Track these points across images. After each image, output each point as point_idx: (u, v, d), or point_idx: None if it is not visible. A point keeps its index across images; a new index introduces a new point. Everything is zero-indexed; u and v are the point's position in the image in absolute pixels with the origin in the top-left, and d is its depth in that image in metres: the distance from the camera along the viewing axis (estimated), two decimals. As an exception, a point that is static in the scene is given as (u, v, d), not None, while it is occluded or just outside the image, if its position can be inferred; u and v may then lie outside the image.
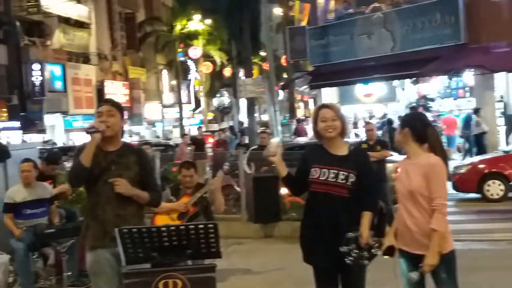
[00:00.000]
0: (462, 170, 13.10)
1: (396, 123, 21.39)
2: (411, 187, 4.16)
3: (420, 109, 20.96)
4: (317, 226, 4.40)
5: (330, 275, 4.43)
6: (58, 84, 34.32)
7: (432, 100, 21.77)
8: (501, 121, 18.56)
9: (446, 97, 21.79)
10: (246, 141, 20.91)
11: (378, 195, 4.63)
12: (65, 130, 36.73)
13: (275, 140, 4.70)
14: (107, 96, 39.42)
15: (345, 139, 4.61)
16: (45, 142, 26.46)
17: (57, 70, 34.25)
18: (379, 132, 16.61)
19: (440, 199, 4.10)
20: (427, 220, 4.10)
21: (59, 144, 30.34)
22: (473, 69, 17.17)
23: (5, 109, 29.13)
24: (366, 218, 4.32)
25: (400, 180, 4.30)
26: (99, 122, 4.39)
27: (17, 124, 30.63)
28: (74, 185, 4.77)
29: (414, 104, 21.57)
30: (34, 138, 29.13)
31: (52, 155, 9.70)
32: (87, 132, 4.38)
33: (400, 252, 4.28)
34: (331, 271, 4.41)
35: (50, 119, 33.96)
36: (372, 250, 4.30)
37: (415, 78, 19.79)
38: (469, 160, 15.18)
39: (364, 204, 4.37)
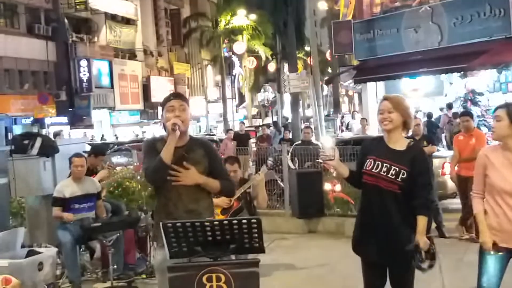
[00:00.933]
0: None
1: (435, 117, 21.09)
2: None
3: (469, 104, 20.62)
4: (368, 218, 4.37)
5: (378, 269, 4.38)
6: (105, 80, 34.93)
7: (480, 94, 21.30)
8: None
9: (496, 91, 21.32)
10: (290, 136, 20.86)
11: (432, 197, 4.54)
12: (111, 125, 37.32)
13: (327, 140, 4.46)
14: (153, 92, 39.93)
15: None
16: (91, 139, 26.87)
17: (104, 66, 34.84)
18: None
19: None
20: None
21: (108, 139, 30.77)
22: (523, 63, 16.76)
23: (53, 105, 29.75)
24: (422, 223, 4.25)
25: (503, 175, 4.10)
26: (175, 118, 4.28)
27: (65, 119, 31.25)
28: (153, 183, 4.62)
29: (462, 98, 21.18)
30: (88, 133, 29.70)
31: (98, 147, 9.85)
32: (175, 130, 4.24)
33: (494, 249, 4.17)
34: (380, 264, 4.36)
35: (97, 115, 34.55)
36: (431, 248, 4.28)
37: (463, 72, 19.41)
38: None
39: (419, 206, 4.26)
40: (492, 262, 4.14)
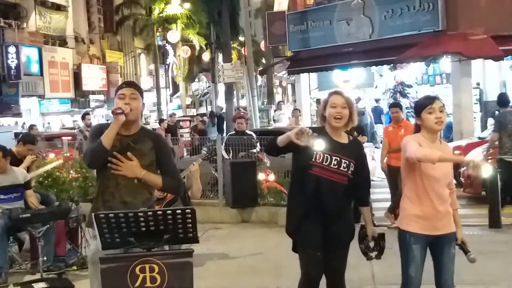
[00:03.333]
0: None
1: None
2: (445, 171, 4.24)
3: (398, 96, 21.15)
4: (313, 207, 4.39)
5: (319, 257, 4.45)
6: (34, 67, 33.94)
7: (409, 86, 21.88)
8: (476, 107, 18.73)
9: (424, 84, 21.93)
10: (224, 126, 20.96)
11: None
12: (41, 113, 36.36)
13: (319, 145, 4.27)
14: (84, 80, 39.13)
15: None
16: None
17: (33, 53, 33.85)
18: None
19: (452, 181, 4.33)
20: (449, 201, 4.28)
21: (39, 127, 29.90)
22: (450, 56, 17.28)
23: (-21, 92, 28.73)
24: (368, 213, 4.55)
25: (431, 165, 4.17)
26: (124, 104, 4.19)
27: (-8, 107, 30.21)
28: (90, 167, 4.51)
29: (392, 90, 21.71)
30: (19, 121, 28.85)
31: (28, 135, 9.64)
32: (114, 113, 4.16)
33: (414, 239, 4.25)
34: (321, 253, 4.44)
35: (26, 103, 33.58)
36: (381, 242, 4.49)
37: (392, 65, 19.86)
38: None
39: (364, 198, 4.52)
40: (418, 251, 4.25)
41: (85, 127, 13.99)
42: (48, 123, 33.89)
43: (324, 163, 4.36)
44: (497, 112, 11.50)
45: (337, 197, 4.37)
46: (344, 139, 4.49)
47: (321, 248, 4.41)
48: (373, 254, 4.50)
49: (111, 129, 4.16)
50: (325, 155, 4.36)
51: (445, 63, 18.98)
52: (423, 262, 4.30)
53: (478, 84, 19.37)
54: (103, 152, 4.16)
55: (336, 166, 4.36)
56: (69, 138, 14.38)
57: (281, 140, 4.29)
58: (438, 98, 4.39)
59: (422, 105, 4.29)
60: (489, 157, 10.06)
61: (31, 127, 18.58)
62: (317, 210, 4.38)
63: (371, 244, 4.50)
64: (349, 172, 4.38)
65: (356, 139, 4.71)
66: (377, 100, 22.66)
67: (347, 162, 4.37)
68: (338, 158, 4.36)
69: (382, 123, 20.32)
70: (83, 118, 15.82)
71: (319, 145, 4.22)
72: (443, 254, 4.20)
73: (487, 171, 4.20)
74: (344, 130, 4.53)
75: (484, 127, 17.85)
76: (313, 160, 4.36)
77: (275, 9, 25.55)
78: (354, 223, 4.57)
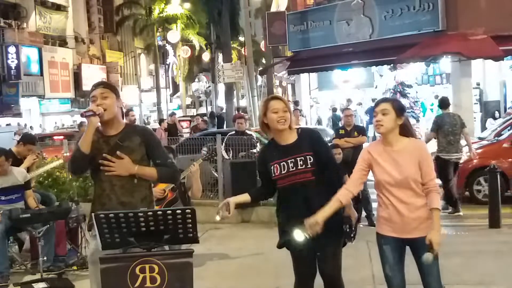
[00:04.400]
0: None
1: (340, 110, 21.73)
2: (404, 174, 4.16)
3: (398, 96, 21.15)
4: (293, 217, 4.39)
5: (307, 257, 4.44)
6: (34, 68, 33.96)
7: (409, 86, 21.90)
8: (477, 108, 18.75)
9: (424, 84, 21.94)
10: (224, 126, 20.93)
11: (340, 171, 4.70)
12: (41, 114, 36.37)
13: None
14: (84, 80, 39.14)
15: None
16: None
17: (33, 53, 33.87)
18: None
19: (434, 180, 4.19)
20: (419, 203, 4.16)
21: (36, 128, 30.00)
22: (450, 56, 17.29)
23: (-21, 92, 28.74)
24: (346, 197, 4.40)
25: (385, 169, 4.20)
26: (95, 106, 4.18)
27: (-8, 107, 30.21)
28: (74, 173, 4.49)
29: (392, 90, 21.71)
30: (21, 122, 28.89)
31: (29, 136, 9.65)
32: (83, 116, 4.17)
33: (384, 240, 4.28)
34: (308, 253, 4.42)
35: (26, 103, 33.59)
36: (356, 231, 4.47)
37: (392, 65, 19.88)
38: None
39: (331, 180, 4.41)
40: (389, 252, 4.27)
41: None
42: (40, 126, 33.75)
43: (282, 172, 4.37)
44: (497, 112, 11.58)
45: (313, 194, 4.34)
46: (291, 138, 4.45)
47: (310, 247, 4.37)
48: (352, 237, 4.47)
49: (87, 133, 4.15)
50: (280, 164, 4.37)
51: (445, 63, 18.99)
52: (399, 262, 4.29)
53: (478, 84, 19.41)
54: (82, 157, 4.15)
55: (293, 168, 4.35)
56: (61, 137, 14.29)
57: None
58: (387, 100, 4.40)
59: (374, 106, 4.37)
60: (477, 157, 10.79)
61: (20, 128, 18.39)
62: (299, 214, 4.30)
63: (353, 226, 4.46)
64: (309, 166, 4.34)
65: (304, 129, 4.63)
66: (373, 100, 22.71)
67: (302, 157, 4.35)
68: (293, 159, 4.36)
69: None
70: (126, 114, 15.09)
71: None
72: (420, 257, 4.20)
73: (298, 236, 4.29)
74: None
75: (484, 127, 17.88)
76: (273, 175, 4.41)
77: (273, 9, 25.51)
78: (341, 219, 4.45)
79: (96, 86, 4.36)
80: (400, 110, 4.27)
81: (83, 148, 4.13)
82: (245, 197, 4.57)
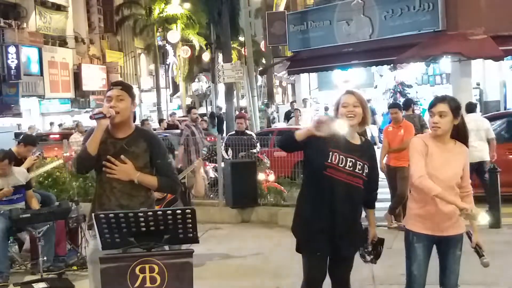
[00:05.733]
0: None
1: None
2: (453, 173, 4.20)
3: (398, 96, 21.16)
4: (325, 211, 4.22)
5: (325, 263, 4.37)
6: (34, 68, 33.94)
7: (409, 86, 21.90)
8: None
9: (424, 84, 21.95)
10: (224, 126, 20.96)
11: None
12: (41, 114, 36.36)
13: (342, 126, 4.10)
14: (84, 80, 39.14)
15: None
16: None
17: (33, 53, 33.85)
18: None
19: (470, 184, 4.31)
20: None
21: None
22: (450, 56, 17.29)
23: (-21, 92, 28.74)
24: (373, 216, 4.52)
25: (436, 166, 4.17)
26: (109, 107, 4.12)
27: (-8, 107, 30.19)
28: (78, 172, 4.45)
29: (392, 90, 21.72)
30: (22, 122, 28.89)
31: (30, 137, 9.65)
32: (92, 118, 4.13)
33: (417, 237, 4.27)
34: (325, 258, 4.36)
35: (26, 103, 33.58)
36: (379, 247, 4.45)
37: (392, 65, 19.88)
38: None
39: (373, 200, 4.45)
40: (420, 250, 4.26)
41: (191, 122, 13.09)
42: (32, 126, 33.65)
43: (339, 164, 4.18)
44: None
45: (352, 201, 4.23)
46: (357, 140, 4.33)
47: (326, 255, 4.32)
48: (369, 257, 4.46)
49: (95, 134, 4.12)
50: (341, 156, 4.19)
51: (445, 63, 18.99)
52: (427, 261, 4.30)
53: (478, 84, 19.39)
54: (88, 158, 4.14)
55: (351, 168, 4.20)
56: (57, 137, 14.27)
57: (299, 134, 4.13)
58: (444, 99, 4.26)
59: (429, 105, 4.30)
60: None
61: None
62: (329, 213, 4.20)
63: (369, 247, 4.44)
64: (364, 174, 4.24)
65: (367, 140, 4.53)
66: (368, 100, 22.73)
67: (362, 164, 4.23)
68: (353, 160, 4.21)
69: (374, 123, 20.23)
70: (188, 112, 14.86)
71: (341, 127, 4.04)
72: (448, 255, 4.21)
73: (483, 219, 4.16)
74: (358, 131, 4.36)
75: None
76: (328, 161, 4.18)
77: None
78: (365, 233, 4.43)
79: (114, 85, 4.29)
80: (456, 110, 4.22)
81: (90, 149, 4.12)
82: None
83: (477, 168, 9.74)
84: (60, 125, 31.88)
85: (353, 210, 4.27)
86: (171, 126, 20.50)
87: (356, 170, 4.21)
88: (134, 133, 4.29)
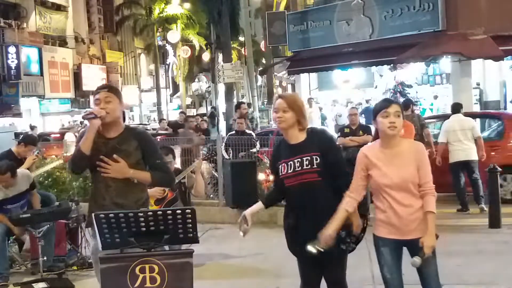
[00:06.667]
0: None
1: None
2: (403, 177, 4.15)
3: (398, 96, 21.14)
4: (300, 216, 4.38)
5: (314, 264, 4.39)
6: (34, 68, 33.94)
7: (409, 86, 21.89)
8: (477, 108, 18.73)
9: (424, 84, 21.94)
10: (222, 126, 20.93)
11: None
12: (41, 114, 36.37)
13: None
14: (84, 80, 39.14)
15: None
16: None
17: (33, 53, 33.85)
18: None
19: (430, 183, 4.17)
20: (417, 205, 4.15)
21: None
22: (450, 56, 17.28)
23: (-21, 93, 28.74)
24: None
25: (384, 173, 4.18)
26: (98, 109, 4.30)
27: (-8, 107, 30.19)
28: (73, 172, 4.65)
29: (392, 90, 21.71)
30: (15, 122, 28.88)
31: (30, 137, 9.64)
32: (85, 118, 4.31)
33: (382, 242, 4.27)
34: (314, 259, 4.34)
35: (26, 103, 33.58)
36: (361, 234, 4.41)
37: (392, 65, 19.86)
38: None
39: (344, 186, 4.30)
40: (387, 254, 4.26)
41: (240, 118, 12.60)
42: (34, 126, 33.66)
43: (288, 171, 4.34)
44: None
45: (317, 195, 4.28)
46: (300, 137, 4.37)
47: (310, 257, 4.31)
48: (349, 240, 4.39)
49: (88, 134, 4.28)
50: (288, 163, 4.33)
51: (445, 63, 18.98)
52: (397, 263, 4.28)
53: (478, 84, 19.38)
54: (82, 158, 4.29)
55: (299, 168, 4.29)
56: (57, 136, 14.24)
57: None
58: (395, 102, 4.35)
59: (379, 109, 4.28)
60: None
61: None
62: (306, 216, 4.33)
63: (344, 234, 4.36)
64: (315, 166, 4.27)
65: (315, 131, 4.53)
66: (367, 101, 22.75)
67: (309, 157, 4.28)
68: (299, 159, 4.30)
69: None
70: (236, 110, 14.33)
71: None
72: None
73: (310, 249, 4.24)
74: (299, 129, 4.36)
75: (484, 127, 17.85)
76: (281, 174, 4.39)
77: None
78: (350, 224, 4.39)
79: (100, 89, 4.47)
80: (402, 111, 4.29)
81: (83, 148, 4.27)
82: (259, 206, 4.68)
83: (466, 168, 10.06)
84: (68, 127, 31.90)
85: (322, 202, 4.28)
86: (178, 125, 19.95)
87: (304, 167, 4.29)
88: (125, 132, 4.44)
